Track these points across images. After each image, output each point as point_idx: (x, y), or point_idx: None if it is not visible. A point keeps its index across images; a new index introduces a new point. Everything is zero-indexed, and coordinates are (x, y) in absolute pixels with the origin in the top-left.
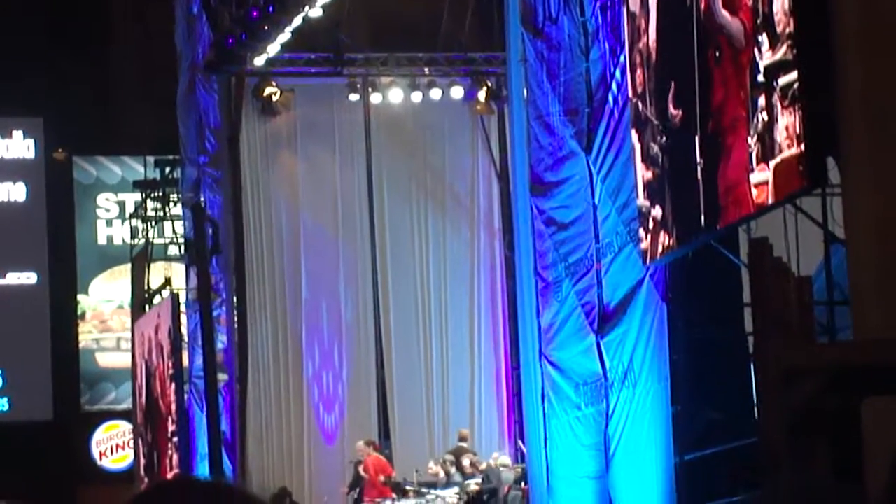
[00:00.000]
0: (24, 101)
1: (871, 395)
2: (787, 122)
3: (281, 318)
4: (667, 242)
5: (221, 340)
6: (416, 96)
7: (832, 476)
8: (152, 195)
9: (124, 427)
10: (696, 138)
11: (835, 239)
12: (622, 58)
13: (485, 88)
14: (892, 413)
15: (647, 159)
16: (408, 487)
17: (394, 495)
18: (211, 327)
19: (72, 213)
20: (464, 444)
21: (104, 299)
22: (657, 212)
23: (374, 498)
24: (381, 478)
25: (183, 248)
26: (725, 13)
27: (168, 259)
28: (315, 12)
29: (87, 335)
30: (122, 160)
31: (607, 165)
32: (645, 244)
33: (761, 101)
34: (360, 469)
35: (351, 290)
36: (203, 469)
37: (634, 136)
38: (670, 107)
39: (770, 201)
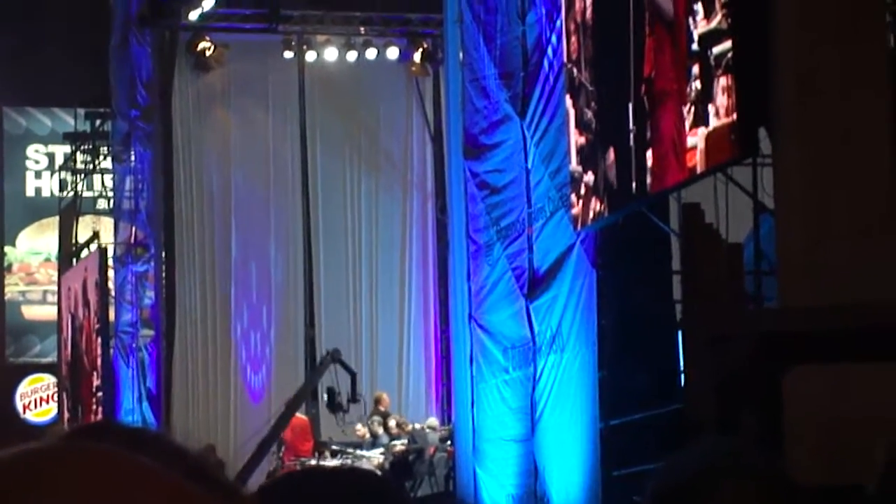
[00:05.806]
0: None
1: (796, 362)
2: (720, 91)
3: (210, 276)
4: (598, 208)
5: (149, 296)
6: (352, 55)
7: (756, 441)
8: (82, 148)
9: (49, 380)
10: (630, 105)
11: (764, 209)
12: (558, 23)
13: (420, 49)
14: (816, 381)
15: (581, 125)
16: (333, 447)
17: (316, 454)
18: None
19: (0, 163)
20: (381, 408)
21: (31, 251)
22: (589, 178)
23: (292, 457)
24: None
25: (111, 202)
26: None
27: (97, 213)
28: None
29: (13, 287)
30: (53, 112)
31: (541, 130)
32: (576, 210)
33: (695, 69)
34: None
35: (281, 249)
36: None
37: (568, 101)
38: (604, 73)
39: (701, 169)
